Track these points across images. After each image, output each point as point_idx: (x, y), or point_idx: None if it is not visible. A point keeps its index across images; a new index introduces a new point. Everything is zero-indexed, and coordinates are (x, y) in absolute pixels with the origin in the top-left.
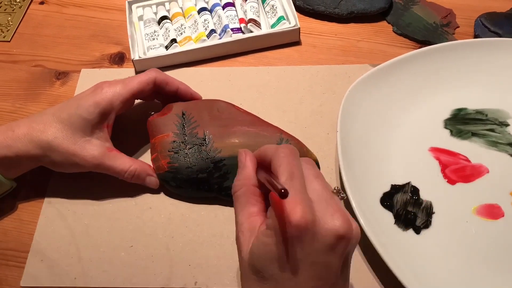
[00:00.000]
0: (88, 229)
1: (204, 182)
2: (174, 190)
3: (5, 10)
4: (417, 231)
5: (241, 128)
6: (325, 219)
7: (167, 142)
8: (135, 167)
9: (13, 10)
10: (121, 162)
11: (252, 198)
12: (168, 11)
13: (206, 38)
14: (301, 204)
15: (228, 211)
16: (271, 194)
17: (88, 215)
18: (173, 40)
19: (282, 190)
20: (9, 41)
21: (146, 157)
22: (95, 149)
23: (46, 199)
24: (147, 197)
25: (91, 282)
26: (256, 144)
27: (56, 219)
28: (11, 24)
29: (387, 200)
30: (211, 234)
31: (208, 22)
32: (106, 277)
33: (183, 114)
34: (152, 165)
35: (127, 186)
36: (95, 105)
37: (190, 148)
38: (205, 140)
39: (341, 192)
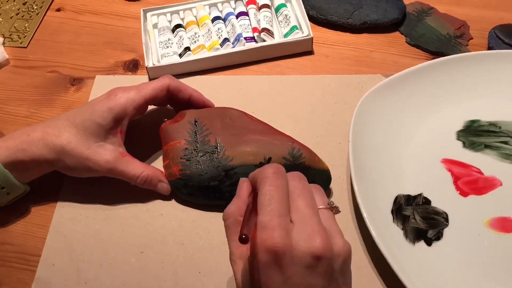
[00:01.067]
0: (100, 234)
1: (215, 190)
2: (186, 197)
3: (22, 16)
4: (429, 243)
5: (253, 137)
6: (301, 241)
7: (179, 149)
8: (147, 172)
9: (30, 16)
10: (134, 167)
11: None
12: (182, 19)
13: (220, 47)
14: (273, 230)
15: None
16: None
17: (100, 220)
18: (187, 48)
19: (243, 236)
20: (25, 47)
21: (158, 163)
22: (109, 153)
23: (59, 204)
24: (158, 204)
25: (102, 287)
26: (268, 153)
27: (68, 223)
28: (28, 31)
29: (398, 211)
30: (222, 242)
31: (222, 31)
32: (116, 283)
33: (196, 121)
34: (164, 172)
35: (139, 192)
36: (109, 111)
37: (202, 156)
38: (216, 148)
39: (334, 206)
